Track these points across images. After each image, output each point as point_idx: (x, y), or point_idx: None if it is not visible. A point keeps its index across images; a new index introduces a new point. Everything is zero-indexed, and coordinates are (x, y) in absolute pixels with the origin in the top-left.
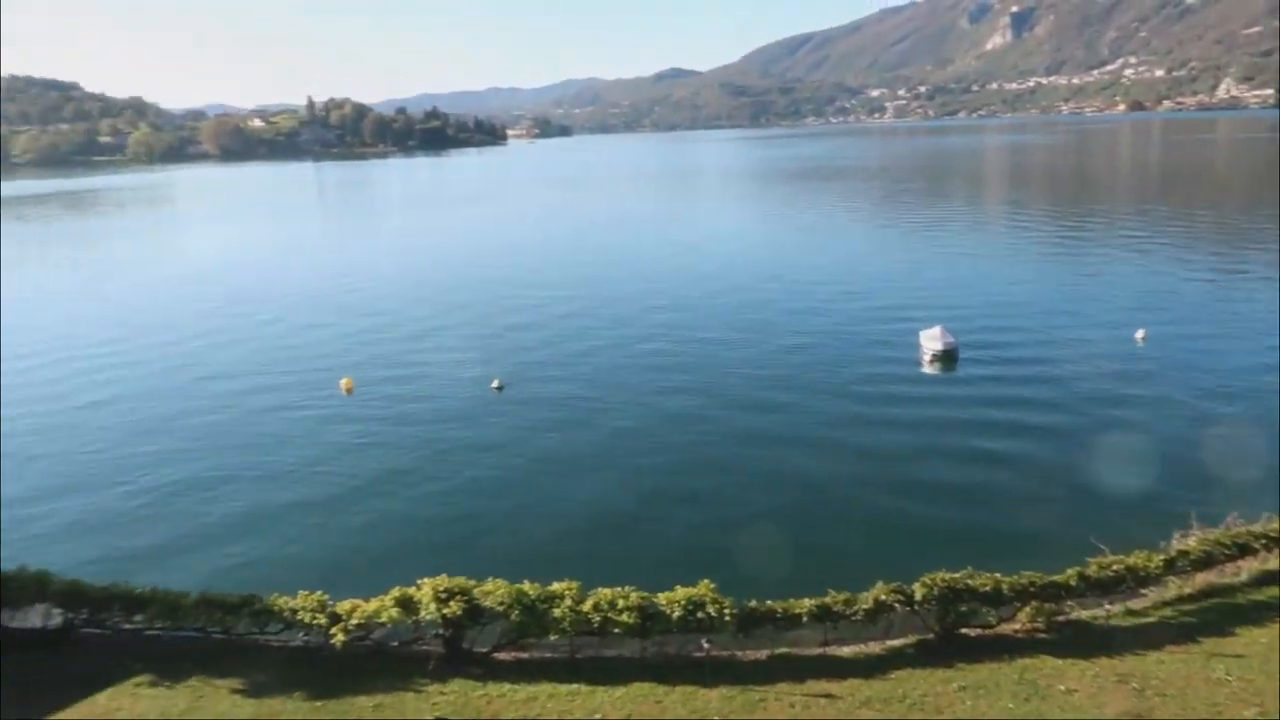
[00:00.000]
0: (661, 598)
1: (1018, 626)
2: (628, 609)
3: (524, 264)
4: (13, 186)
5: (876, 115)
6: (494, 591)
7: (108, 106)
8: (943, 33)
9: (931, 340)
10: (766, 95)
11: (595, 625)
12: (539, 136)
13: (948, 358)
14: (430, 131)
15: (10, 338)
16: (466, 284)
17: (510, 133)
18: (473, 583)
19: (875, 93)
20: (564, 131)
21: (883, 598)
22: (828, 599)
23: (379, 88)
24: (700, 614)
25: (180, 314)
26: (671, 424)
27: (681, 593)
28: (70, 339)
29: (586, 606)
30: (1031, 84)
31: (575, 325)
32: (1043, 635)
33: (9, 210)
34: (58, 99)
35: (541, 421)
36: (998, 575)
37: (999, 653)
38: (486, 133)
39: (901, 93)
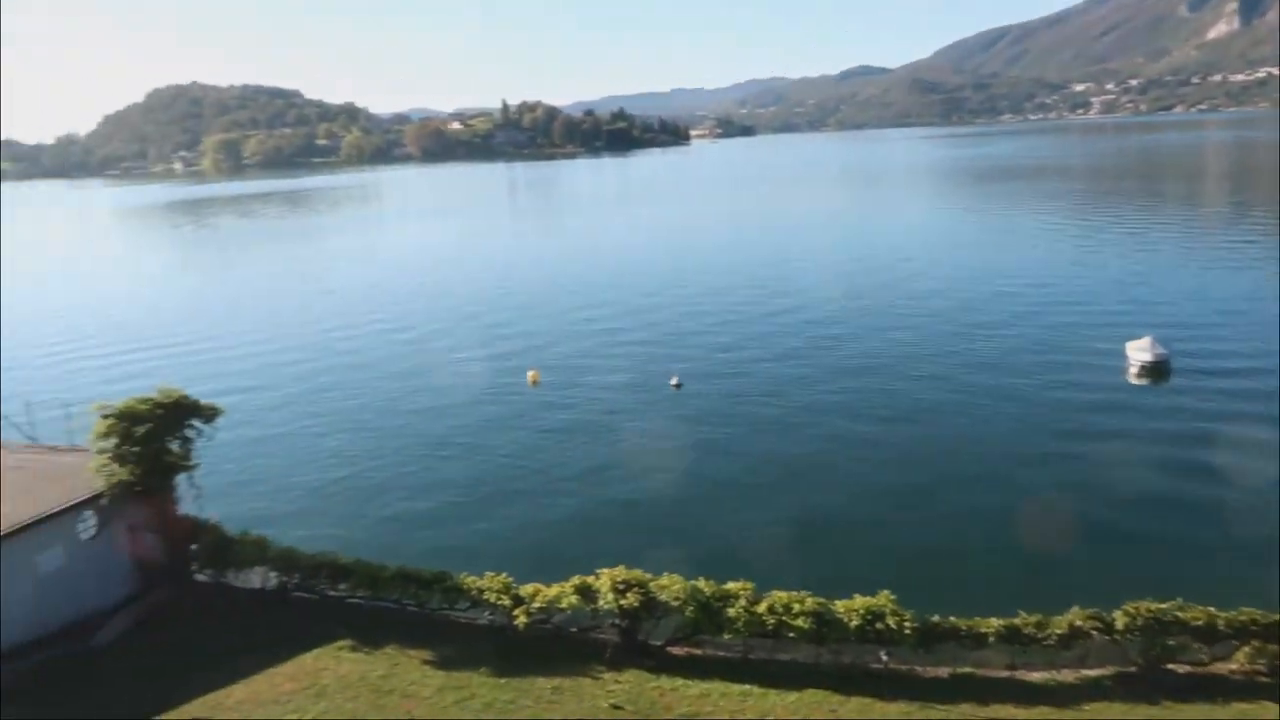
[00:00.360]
0: (839, 605)
1: (1234, 667)
2: (803, 614)
3: (708, 262)
4: (242, 186)
5: (1080, 111)
6: (669, 586)
7: (324, 112)
8: (1157, 22)
9: (1140, 351)
10: (959, 92)
11: (769, 627)
12: (721, 136)
13: (1157, 370)
14: (616, 132)
15: (241, 324)
16: (652, 281)
17: (693, 133)
18: (649, 576)
19: (1080, 87)
20: (746, 131)
21: (1078, 623)
22: (1017, 620)
23: (569, 90)
24: (879, 625)
25: (388, 304)
26: (854, 428)
27: (860, 602)
28: (293, 328)
29: (761, 608)
30: (1262, 74)
31: (758, 325)
32: (1265, 679)
33: (240, 208)
34: (282, 105)
35: (718, 420)
36: (1212, 609)
37: (1212, 694)
38: (670, 133)
39: (1110, 86)
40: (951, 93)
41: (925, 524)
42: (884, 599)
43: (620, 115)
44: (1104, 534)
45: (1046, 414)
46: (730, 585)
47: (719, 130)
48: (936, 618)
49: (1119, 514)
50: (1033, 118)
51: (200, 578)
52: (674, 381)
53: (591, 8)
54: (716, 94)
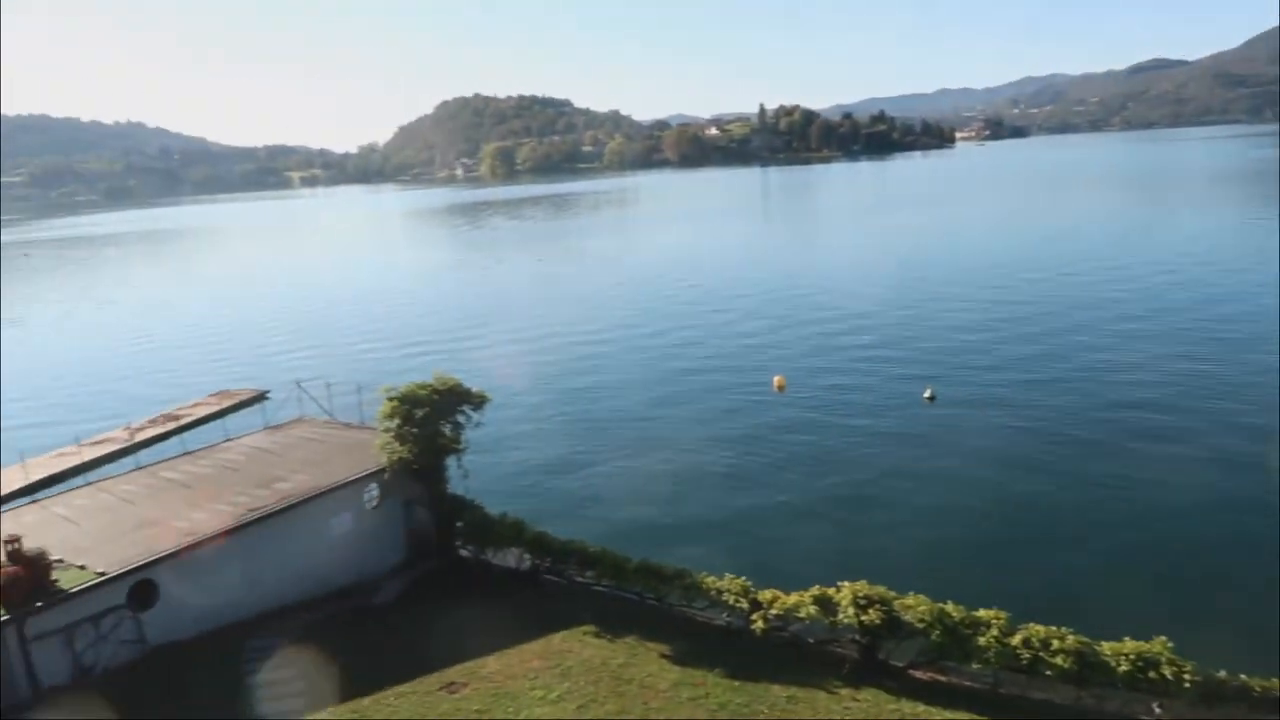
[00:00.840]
0: (1105, 647)
1: None
2: (1063, 652)
3: (969, 271)
4: (514, 190)
5: None
6: (915, 607)
7: (590, 120)
8: None
9: None
10: (1276, 84)
11: (1024, 662)
12: (989, 138)
13: None
14: (875, 135)
15: (506, 318)
16: (908, 287)
17: (959, 135)
18: (893, 594)
19: None
20: (1018, 133)
21: None
22: None
23: (828, 94)
24: (1152, 674)
25: (642, 303)
26: (1126, 450)
27: (1130, 646)
28: (554, 324)
29: (1015, 640)
30: None
31: (1019, 339)
32: None
33: (510, 210)
34: (552, 115)
35: (971, 436)
36: None
37: None
38: (933, 136)
39: None
40: (1265, 86)
41: (1210, 567)
42: (1159, 645)
43: (879, 118)
44: None
45: None
46: (982, 612)
47: (987, 132)
48: (1224, 673)
49: None
50: None
51: (463, 553)
52: (927, 394)
53: (855, 10)
54: (986, 94)
